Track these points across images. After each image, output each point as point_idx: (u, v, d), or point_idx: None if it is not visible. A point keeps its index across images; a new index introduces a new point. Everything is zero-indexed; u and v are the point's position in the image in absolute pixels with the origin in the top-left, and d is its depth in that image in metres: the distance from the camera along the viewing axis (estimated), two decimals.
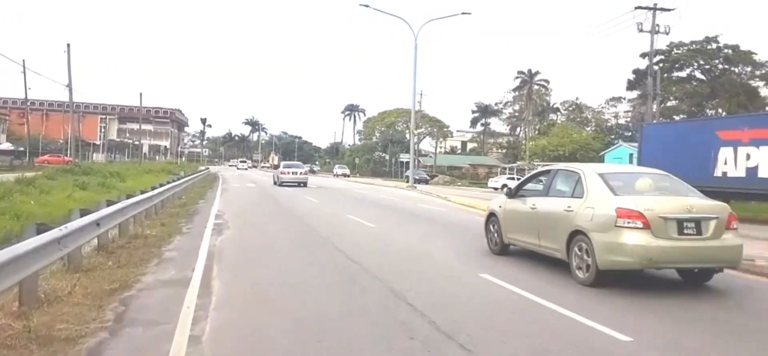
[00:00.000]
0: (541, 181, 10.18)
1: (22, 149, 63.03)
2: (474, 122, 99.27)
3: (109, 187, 28.03)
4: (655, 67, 55.21)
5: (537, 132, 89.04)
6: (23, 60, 59.01)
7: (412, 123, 35.25)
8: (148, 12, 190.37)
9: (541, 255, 9.02)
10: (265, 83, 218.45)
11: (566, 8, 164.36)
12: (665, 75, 53.55)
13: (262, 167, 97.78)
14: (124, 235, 11.31)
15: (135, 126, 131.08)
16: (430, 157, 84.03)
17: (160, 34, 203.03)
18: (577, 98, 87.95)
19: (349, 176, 69.03)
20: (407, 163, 75.38)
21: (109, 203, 10.11)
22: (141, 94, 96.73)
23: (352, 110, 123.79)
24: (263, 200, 24.10)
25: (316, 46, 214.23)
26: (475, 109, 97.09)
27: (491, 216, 10.64)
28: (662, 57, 53.43)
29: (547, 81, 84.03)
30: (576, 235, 7.99)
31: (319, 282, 7.82)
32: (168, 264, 8.77)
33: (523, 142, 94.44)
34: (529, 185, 10.55)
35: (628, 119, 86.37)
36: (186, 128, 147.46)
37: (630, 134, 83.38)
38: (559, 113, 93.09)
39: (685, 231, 7.41)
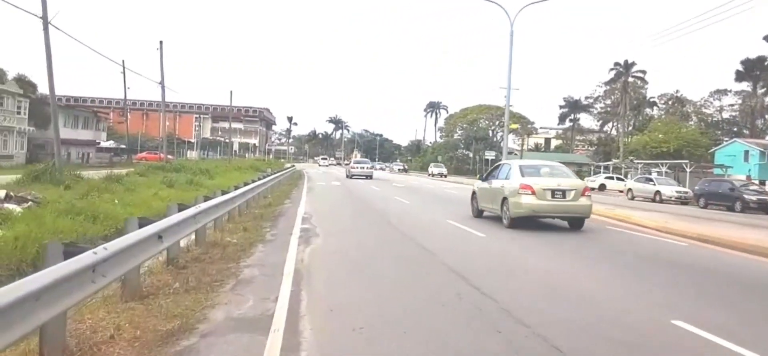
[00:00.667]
0: (496, 170, 15.90)
1: (123, 146, 65.45)
2: (562, 118, 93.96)
3: (197, 185, 27.32)
4: None
5: (631, 128, 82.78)
6: (123, 60, 60.88)
7: (507, 118, 32.23)
8: (240, 14, 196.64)
9: (495, 217, 14.74)
10: (349, 81, 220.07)
11: None
12: None
13: (346, 164, 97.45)
14: (201, 243, 9.67)
15: (226, 125, 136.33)
16: (516, 154, 79.88)
17: (250, 34, 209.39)
18: (677, 91, 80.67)
19: (446, 176, 62.96)
20: (492, 160, 72.13)
21: (181, 208, 8.42)
22: (231, 92, 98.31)
23: (433, 107, 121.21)
24: (351, 202, 22.22)
25: (398, 42, 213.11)
26: (563, 104, 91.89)
27: (473, 194, 16.78)
28: None
29: (643, 72, 77.34)
30: (504, 200, 13.75)
31: (442, 325, 5.56)
32: (245, 289, 6.87)
33: (616, 138, 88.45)
34: (493, 174, 15.89)
35: (735, 113, 78.53)
36: (274, 126, 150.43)
37: (736, 129, 75.75)
38: (656, 107, 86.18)
39: (555, 196, 13.29)
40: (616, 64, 79.40)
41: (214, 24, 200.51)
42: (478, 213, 15.80)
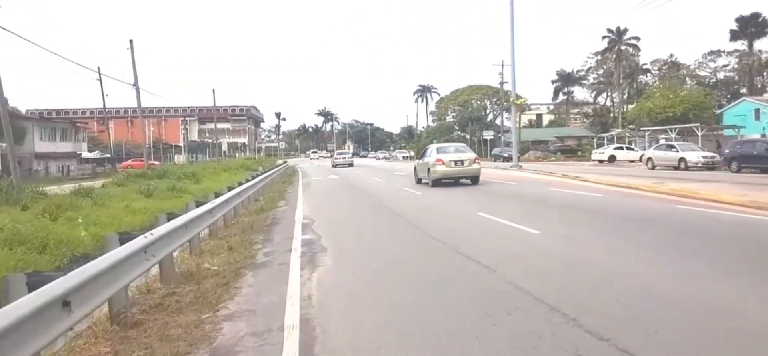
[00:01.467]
0: (425, 152, 23.37)
1: (107, 155, 62.28)
2: (556, 92, 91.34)
3: (180, 191, 24.46)
4: None
5: (626, 96, 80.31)
6: (98, 67, 57.62)
7: (513, 92, 29.54)
8: (220, 13, 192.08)
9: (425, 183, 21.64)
10: (336, 72, 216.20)
11: None
12: None
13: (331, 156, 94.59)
14: (169, 277, 6.89)
15: (214, 126, 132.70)
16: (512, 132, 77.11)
17: (233, 33, 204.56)
18: (671, 55, 78.20)
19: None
20: (490, 141, 69.27)
21: (123, 240, 5.60)
22: (214, 90, 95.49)
23: (423, 90, 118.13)
24: (356, 199, 19.16)
25: (381, 27, 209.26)
26: (556, 78, 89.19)
27: (414, 168, 24.28)
28: None
29: (637, 38, 74.68)
30: (428, 170, 21.05)
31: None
32: None
33: (612, 109, 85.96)
34: (423, 154, 23.65)
35: (731, 73, 76.11)
36: (262, 124, 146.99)
37: (736, 88, 73.35)
38: (649, 74, 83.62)
39: (457, 164, 20.71)
40: (609, 31, 76.77)
41: (195, 26, 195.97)
42: (418, 181, 22.91)
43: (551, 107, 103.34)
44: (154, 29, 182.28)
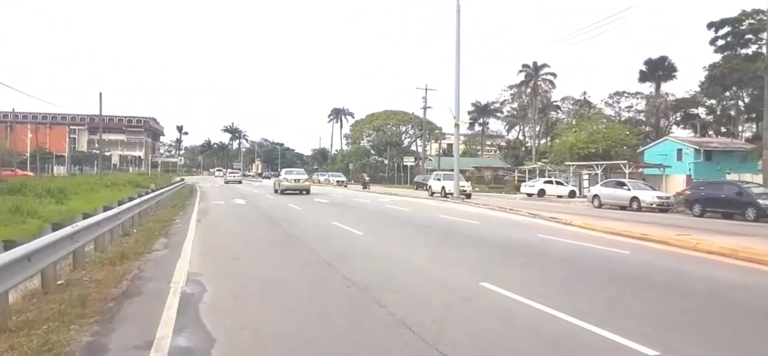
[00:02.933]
0: (280, 173, 42.31)
1: None
2: (472, 123, 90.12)
3: (28, 214, 17.77)
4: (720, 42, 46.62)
5: (538, 130, 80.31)
6: None
7: (457, 109, 25.33)
8: (129, 20, 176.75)
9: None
10: (245, 89, 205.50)
11: (560, 6, 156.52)
12: (726, 52, 44.48)
13: (245, 175, 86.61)
14: None
15: (107, 136, 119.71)
16: (431, 160, 74.08)
17: (137, 38, 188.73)
18: (584, 93, 79.18)
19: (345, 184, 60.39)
20: (411, 167, 65.46)
21: None
22: (100, 94, 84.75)
23: (338, 113, 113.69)
24: (273, 238, 13.44)
25: (297, 48, 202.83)
26: (472, 108, 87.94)
27: (274, 183, 39.79)
28: (728, 28, 44.22)
29: (554, 75, 74.70)
30: (279, 183, 37.26)
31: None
32: None
33: (525, 142, 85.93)
34: (278, 175, 43.97)
35: (633, 114, 78.04)
36: (162, 138, 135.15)
37: (643, 127, 75.01)
38: (559, 111, 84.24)
39: (296, 181, 35.03)
40: (525, 65, 76.50)
41: (104, 31, 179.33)
42: (276, 192, 34.56)
43: (465, 137, 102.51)
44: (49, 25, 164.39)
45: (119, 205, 12.71)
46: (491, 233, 14.64)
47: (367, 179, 55.02)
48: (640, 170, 42.54)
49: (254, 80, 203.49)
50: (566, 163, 47.67)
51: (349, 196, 35.93)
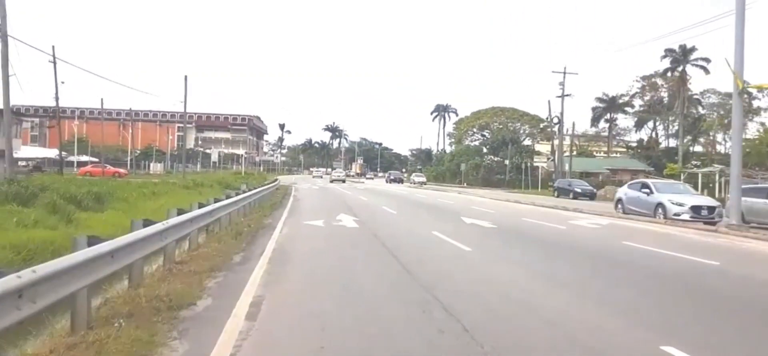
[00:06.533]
0: (330, 170, 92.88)
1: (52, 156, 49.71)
2: (596, 119, 77.83)
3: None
4: None
5: (683, 129, 66.61)
6: (52, 46, 44.13)
7: (739, 62, 13.86)
8: (232, 19, 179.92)
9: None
10: (347, 88, 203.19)
11: None
12: None
13: (348, 175, 79.72)
14: None
15: (213, 134, 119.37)
16: (551, 159, 63.05)
17: (242, 41, 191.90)
18: (746, 82, 63.79)
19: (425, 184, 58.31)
20: (539, 169, 55.18)
21: None
22: (186, 77, 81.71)
23: (441, 110, 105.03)
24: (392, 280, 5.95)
25: (398, 45, 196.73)
26: (597, 103, 75.53)
27: (322, 177, 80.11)
28: None
29: (707, 60, 60.47)
30: (331, 178, 72.31)
31: None
32: None
33: (661, 141, 72.56)
34: (328, 172, 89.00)
35: None
36: (265, 136, 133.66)
37: None
38: (699, 106, 69.53)
39: (338, 177, 66.97)
40: (669, 50, 62.82)
41: (210, 32, 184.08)
42: (330, 181, 61.78)
43: (579, 134, 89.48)
44: (161, 34, 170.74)
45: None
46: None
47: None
48: None
49: (356, 72, 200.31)
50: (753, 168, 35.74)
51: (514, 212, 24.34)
